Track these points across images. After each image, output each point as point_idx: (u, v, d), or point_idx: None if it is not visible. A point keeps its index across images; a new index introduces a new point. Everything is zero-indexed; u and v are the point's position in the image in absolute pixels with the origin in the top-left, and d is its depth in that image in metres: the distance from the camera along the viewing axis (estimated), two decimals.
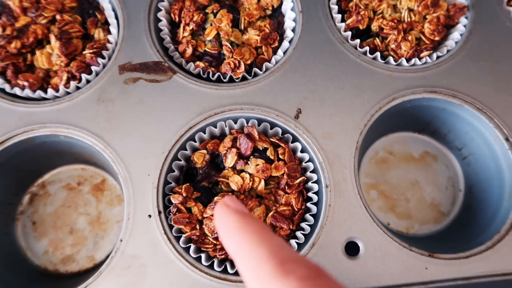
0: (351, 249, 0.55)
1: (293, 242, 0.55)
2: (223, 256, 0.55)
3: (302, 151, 0.59)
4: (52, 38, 0.61)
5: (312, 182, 0.58)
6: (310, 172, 0.58)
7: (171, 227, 0.55)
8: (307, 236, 0.56)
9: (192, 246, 0.54)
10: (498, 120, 0.60)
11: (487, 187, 0.63)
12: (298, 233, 0.56)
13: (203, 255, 0.54)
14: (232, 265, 0.55)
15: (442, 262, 0.54)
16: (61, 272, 0.62)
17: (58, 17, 0.62)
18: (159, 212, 0.55)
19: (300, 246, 0.55)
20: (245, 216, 0.30)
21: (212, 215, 0.54)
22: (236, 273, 0.54)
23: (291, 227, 0.55)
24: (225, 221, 0.30)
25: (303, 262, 0.26)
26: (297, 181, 0.57)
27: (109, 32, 0.64)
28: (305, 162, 0.59)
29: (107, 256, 0.60)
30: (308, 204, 0.57)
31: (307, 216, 0.57)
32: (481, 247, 0.55)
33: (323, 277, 0.25)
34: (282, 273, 0.25)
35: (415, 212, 0.66)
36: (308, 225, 0.56)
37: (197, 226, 0.55)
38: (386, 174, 0.68)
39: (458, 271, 0.54)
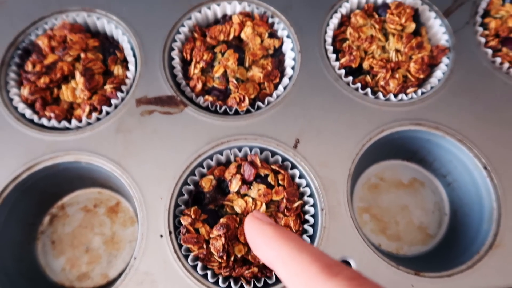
0: None
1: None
2: (227, 274, 0.60)
3: (300, 177, 0.65)
4: (77, 74, 0.68)
5: (309, 206, 0.64)
6: (307, 196, 0.64)
7: (180, 246, 0.61)
8: None
9: (199, 264, 0.60)
10: (477, 150, 0.66)
11: (469, 211, 0.69)
12: None
13: (209, 272, 0.60)
14: (236, 282, 0.60)
15: (427, 280, 0.59)
16: None
17: (82, 55, 0.69)
18: (170, 233, 0.61)
19: None
20: (279, 227, 0.31)
21: (218, 236, 0.59)
22: None
23: None
24: (260, 232, 0.31)
25: (345, 266, 0.27)
26: (295, 205, 0.62)
27: (127, 69, 0.71)
28: (302, 188, 0.65)
29: (120, 274, 0.65)
30: (305, 226, 0.63)
31: (304, 237, 0.62)
32: (462, 266, 0.60)
33: (367, 279, 0.26)
34: (330, 274, 0.25)
35: (404, 234, 0.71)
36: None
37: (204, 246, 0.60)
38: (377, 198, 0.73)
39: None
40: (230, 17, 0.74)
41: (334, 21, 0.74)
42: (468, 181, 0.69)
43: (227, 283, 0.60)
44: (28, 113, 0.67)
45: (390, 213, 0.73)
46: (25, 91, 0.67)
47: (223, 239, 0.59)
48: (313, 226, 0.63)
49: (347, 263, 0.61)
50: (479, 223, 0.66)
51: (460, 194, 0.71)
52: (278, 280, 0.60)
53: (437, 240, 0.71)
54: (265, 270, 0.60)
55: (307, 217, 0.63)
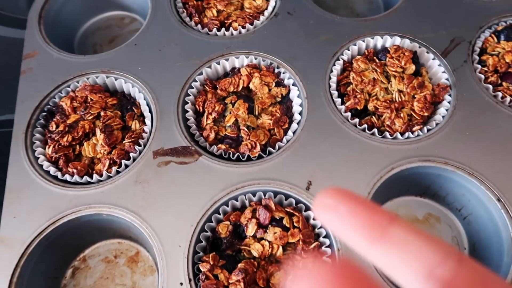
0: None
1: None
2: None
3: (314, 219, 0.66)
4: (98, 131, 0.72)
5: (325, 247, 0.64)
6: (323, 237, 0.65)
7: None
8: None
9: None
10: (489, 182, 0.67)
11: (488, 245, 0.68)
12: None
13: None
14: None
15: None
16: None
17: (102, 113, 0.74)
18: (189, 280, 0.62)
19: None
20: None
21: (237, 281, 0.60)
22: None
23: None
24: None
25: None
26: (312, 246, 0.63)
27: (144, 123, 0.75)
28: (317, 229, 0.66)
29: None
30: None
31: None
32: None
33: None
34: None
35: None
36: None
37: None
38: None
39: None
40: (239, 70, 0.79)
41: (337, 67, 0.78)
42: (483, 214, 0.69)
43: None
44: (52, 170, 0.71)
45: None
46: (49, 150, 0.71)
47: (242, 284, 0.60)
48: None
49: None
50: (499, 256, 0.65)
51: (477, 227, 0.71)
52: None
53: None
54: None
55: (324, 258, 0.64)
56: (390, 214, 0.23)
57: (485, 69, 0.77)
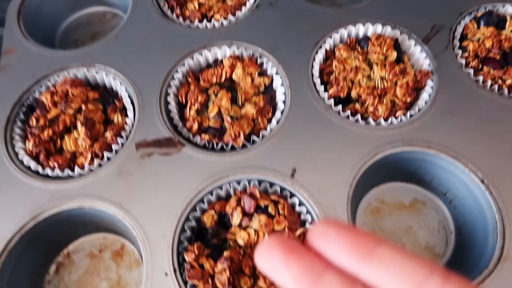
0: None
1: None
2: None
3: (300, 205, 0.66)
4: (79, 124, 0.71)
5: None
6: (309, 224, 0.65)
7: (185, 283, 0.61)
8: None
9: None
10: (472, 165, 0.67)
11: (474, 227, 0.68)
12: None
13: None
14: None
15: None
16: None
17: (83, 107, 0.73)
18: (175, 270, 0.61)
19: None
20: None
21: (223, 269, 0.59)
22: None
23: None
24: None
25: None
26: (298, 232, 0.63)
27: (126, 116, 0.75)
28: (303, 215, 0.66)
29: None
30: None
31: None
32: (473, 282, 0.59)
33: None
34: None
35: None
36: None
37: (210, 281, 0.60)
38: (380, 222, 0.73)
39: None
40: (221, 61, 0.79)
41: (320, 56, 0.78)
42: (468, 197, 0.69)
43: None
44: (33, 165, 0.70)
45: (395, 236, 0.72)
46: (29, 145, 0.70)
47: (228, 272, 0.59)
48: None
49: None
50: (485, 237, 0.65)
51: (462, 211, 0.71)
52: None
53: (446, 258, 0.70)
54: None
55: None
56: (376, 237, 0.25)
57: (466, 54, 0.77)
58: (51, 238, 0.69)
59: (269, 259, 0.26)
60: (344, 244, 0.25)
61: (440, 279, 0.23)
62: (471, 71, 0.75)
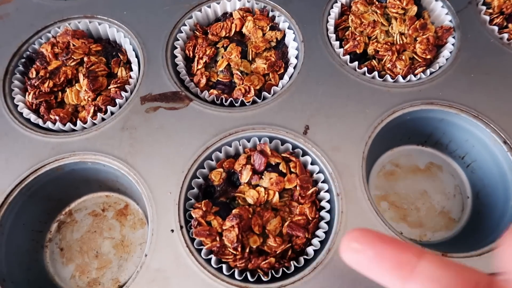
0: None
1: (310, 249, 0.58)
2: (243, 266, 0.57)
3: (312, 164, 0.63)
4: (81, 77, 0.68)
5: (324, 192, 0.61)
6: (321, 182, 0.62)
7: (192, 240, 0.58)
8: (323, 243, 0.58)
9: (213, 258, 0.57)
10: (494, 125, 0.64)
11: (493, 191, 0.66)
12: (314, 240, 0.58)
13: (224, 266, 0.57)
14: (252, 274, 0.57)
15: (455, 261, 0.56)
16: None
17: (85, 59, 0.69)
18: (181, 227, 0.59)
19: (317, 252, 0.57)
20: None
21: (231, 227, 0.56)
22: (256, 281, 0.56)
23: (307, 235, 0.58)
24: None
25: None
26: (310, 191, 0.60)
27: (131, 70, 0.71)
28: (315, 174, 0.63)
29: (130, 278, 0.62)
30: (322, 213, 0.60)
31: (322, 223, 0.59)
32: (492, 245, 0.57)
33: None
34: None
35: (426, 221, 0.68)
36: (323, 232, 0.59)
37: (217, 238, 0.57)
38: (394, 185, 0.71)
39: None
40: (231, 14, 0.74)
41: (335, 10, 0.73)
42: (488, 159, 0.66)
43: (243, 276, 0.56)
44: (33, 117, 0.67)
45: (409, 200, 0.70)
46: (29, 97, 0.67)
47: (236, 230, 0.56)
48: (330, 212, 0.60)
49: None
50: (505, 200, 0.62)
51: (481, 175, 0.68)
52: (296, 270, 0.57)
53: (462, 224, 0.68)
54: (282, 260, 0.57)
55: (323, 203, 0.61)
56: (417, 249, 0.25)
57: (490, 11, 0.73)
58: (52, 194, 0.67)
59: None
60: (385, 265, 0.24)
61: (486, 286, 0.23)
62: (496, 28, 0.71)
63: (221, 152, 0.64)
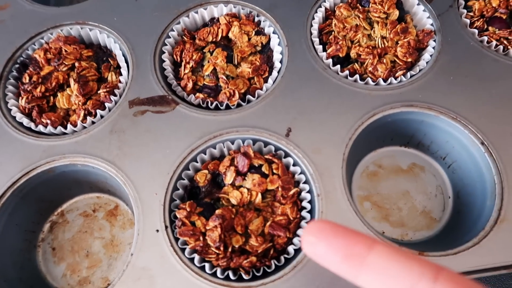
0: None
1: (290, 248, 0.60)
2: (225, 265, 0.59)
3: (294, 165, 0.65)
4: (72, 81, 0.70)
5: (305, 192, 0.63)
6: (303, 183, 0.64)
7: (176, 240, 0.60)
8: None
9: (197, 257, 0.59)
10: (472, 126, 0.65)
11: (472, 190, 0.67)
12: (295, 240, 0.60)
13: (207, 265, 0.59)
14: (234, 273, 0.59)
15: (432, 259, 0.57)
16: None
17: (76, 64, 0.72)
18: (166, 227, 0.61)
19: (298, 251, 0.59)
20: None
21: (214, 227, 0.58)
22: (238, 280, 0.58)
23: (288, 235, 0.60)
24: None
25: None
26: (291, 192, 0.62)
27: (120, 74, 0.73)
28: (297, 175, 0.64)
29: (117, 277, 0.64)
30: (303, 213, 0.62)
31: (303, 223, 0.61)
32: (468, 243, 0.58)
33: None
34: None
35: (408, 220, 0.69)
36: None
37: (201, 238, 0.59)
38: (377, 186, 0.72)
39: (448, 267, 0.57)
40: (218, 19, 0.76)
41: (319, 15, 0.75)
42: (467, 160, 0.67)
43: (225, 275, 0.58)
44: (25, 121, 0.69)
45: (392, 200, 0.71)
46: (22, 101, 0.69)
47: (219, 229, 0.58)
48: (311, 212, 0.62)
49: None
50: (483, 200, 0.64)
51: (461, 175, 0.70)
52: (276, 269, 0.59)
53: (442, 223, 0.69)
54: (263, 259, 0.59)
55: (304, 203, 0.63)
56: (368, 241, 0.26)
57: (471, 14, 0.74)
58: (44, 196, 0.69)
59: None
60: (336, 258, 0.26)
61: (430, 280, 0.24)
62: (476, 31, 0.72)
63: (206, 154, 0.66)
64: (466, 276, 0.57)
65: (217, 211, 0.60)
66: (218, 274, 0.58)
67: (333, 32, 0.74)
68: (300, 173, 0.64)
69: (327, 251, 0.27)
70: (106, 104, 0.70)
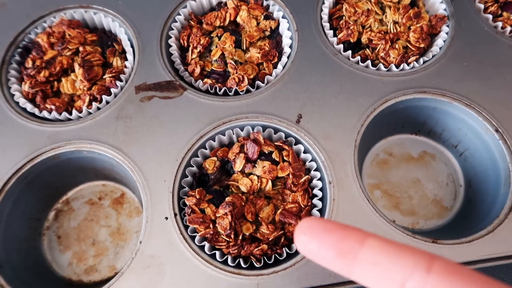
0: None
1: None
2: (236, 253, 0.58)
3: (305, 152, 0.64)
4: (76, 66, 0.68)
5: (316, 180, 0.62)
6: (314, 170, 0.62)
7: (186, 227, 0.59)
8: None
9: (207, 245, 0.58)
10: (486, 113, 0.64)
11: (485, 178, 0.66)
12: None
13: (217, 252, 0.58)
14: (245, 261, 0.58)
15: (446, 247, 0.56)
16: (85, 282, 0.66)
17: (81, 48, 0.70)
18: (175, 214, 0.60)
19: None
20: None
21: (225, 214, 0.57)
22: (249, 268, 0.57)
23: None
24: None
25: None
26: (302, 180, 0.61)
27: (126, 59, 0.71)
28: (308, 162, 0.63)
29: (125, 265, 0.63)
30: (314, 201, 0.61)
31: (314, 211, 0.60)
32: (482, 232, 0.57)
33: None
34: None
35: (418, 209, 0.68)
36: None
37: (211, 225, 0.58)
38: (387, 174, 0.71)
39: (462, 255, 0.56)
40: (225, 4, 0.74)
41: None
42: (480, 147, 0.66)
43: (236, 262, 0.57)
44: (29, 107, 0.67)
45: (402, 188, 0.70)
46: (25, 86, 0.68)
47: (229, 217, 0.57)
48: (322, 199, 0.61)
49: None
50: (496, 188, 0.63)
51: (473, 163, 0.69)
52: (288, 257, 0.58)
53: (454, 212, 0.68)
54: (275, 247, 0.58)
55: (315, 191, 0.61)
56: (360, 235, 0.26)
57: None
58: (49, 183, 0.68)
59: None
60: (330, 253, 0.26)
61: (423, 272, 0.23)
62: (490, 16, 0.71)
63: (214, 141, 0.64)
64: (480, 264, 0.56)
65: (227, 198, 0.59)
66: (229, 262, 0.57)
67: (343, 17, 0.72)
68: (311, 160, 0.63)
69: (320, 248, 0.26)
70: (112, 90, 0.68)
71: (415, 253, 0.25)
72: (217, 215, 0.58)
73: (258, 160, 0.62)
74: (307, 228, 0.27)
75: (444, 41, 0.70)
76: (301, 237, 0.27)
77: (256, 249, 0.57)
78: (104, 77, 0.69)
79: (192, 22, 0.73)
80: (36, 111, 0.67)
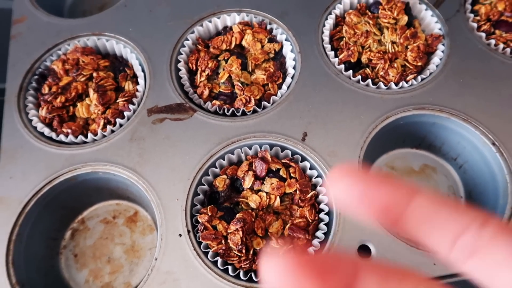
0: (364, 251, 0.60)
1: (311, 249, 0.61)
2: (247, 267, 0.60)
3: (311, 169, 0.66)
4: (91, 91, 0.72)
5: (322, 195, 0.65)
6: (320, 186, 0.65)
7: (199, 243, 0.62)
8: (322, 243, 0.61)
9: (220, 260, 0.60)
10: (483, 127, 0.67)
11: (484, 190, 0.69)
12: (315, 241, 0.61)
13: (230, 267, 0.60)
14: (257, 275, 0.60)
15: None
16: None
17: (94, 74, 0.73)
18: (188, 231, 0.62)
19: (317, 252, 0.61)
20: None
21: (236, 230, 0.60)
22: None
23: (307, 237, 0.62)
24: None
25: None
26: (309, 195, 0.64)
27: (137, 83, 0.75)
28: (314, 178, 0.66)
29: (142, 281, 0.66)
30: (321, 215, 0.64)
31: (321, 225, 0.63)
32: None
33: None
34: None
35: None
36: (322, 233, 0.62)
37: (223, 241, 0.61)
38: None
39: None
40: (231, 28, 0.78)
41: (330, 21, 0.77)
42: (479, 160, 0.69)
43: (248, 276, 0.60)
44: (46, 131, 0.71)
45: None
46: (43, 111, 0.71)
47: (240, 233, 0.60)
48: (328, 214, 0.64)
49: (366, 247, 0.61)
50: (495, 199, 0.66)
51: (473, 174, 0.71)
52: None
53: None
54: None
55: (321, 206, 0.64)
56: (412, 188, 0.23)
57: (478, 18, 0.76)
58: (66, 203, 0.70)
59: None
60: (379, 203, 0.23)
61: (480, 226, 0.22)
62: (483, 34, 0.74)
63: (224, 160, 0.68)
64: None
65: (238, 215, 0.62)
66: (241, 276, 0.60)
67: (344, 38, 0.76)
68: (317, 176, 0.66)
69: (367, 194, 0.23)
70: (125, 113, 0.71)
71: (470, 209, 0.23)
72: (229, 231, 0.61)
73: (266, 177, 0.65)
74: (349, 171, 0.23)
75: (440, 59, 0.73)
76: (343, 179, 0.23)
77: None
78: (117, 101, 0.72)
79: (199, 47, 0.77)
80: (53, 135, 0.70)
